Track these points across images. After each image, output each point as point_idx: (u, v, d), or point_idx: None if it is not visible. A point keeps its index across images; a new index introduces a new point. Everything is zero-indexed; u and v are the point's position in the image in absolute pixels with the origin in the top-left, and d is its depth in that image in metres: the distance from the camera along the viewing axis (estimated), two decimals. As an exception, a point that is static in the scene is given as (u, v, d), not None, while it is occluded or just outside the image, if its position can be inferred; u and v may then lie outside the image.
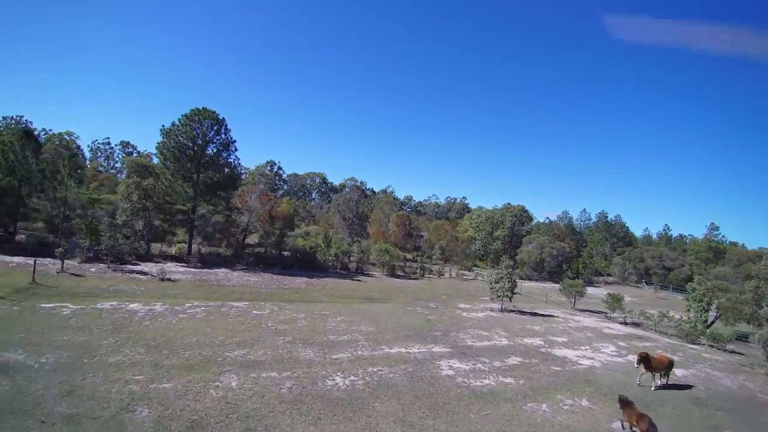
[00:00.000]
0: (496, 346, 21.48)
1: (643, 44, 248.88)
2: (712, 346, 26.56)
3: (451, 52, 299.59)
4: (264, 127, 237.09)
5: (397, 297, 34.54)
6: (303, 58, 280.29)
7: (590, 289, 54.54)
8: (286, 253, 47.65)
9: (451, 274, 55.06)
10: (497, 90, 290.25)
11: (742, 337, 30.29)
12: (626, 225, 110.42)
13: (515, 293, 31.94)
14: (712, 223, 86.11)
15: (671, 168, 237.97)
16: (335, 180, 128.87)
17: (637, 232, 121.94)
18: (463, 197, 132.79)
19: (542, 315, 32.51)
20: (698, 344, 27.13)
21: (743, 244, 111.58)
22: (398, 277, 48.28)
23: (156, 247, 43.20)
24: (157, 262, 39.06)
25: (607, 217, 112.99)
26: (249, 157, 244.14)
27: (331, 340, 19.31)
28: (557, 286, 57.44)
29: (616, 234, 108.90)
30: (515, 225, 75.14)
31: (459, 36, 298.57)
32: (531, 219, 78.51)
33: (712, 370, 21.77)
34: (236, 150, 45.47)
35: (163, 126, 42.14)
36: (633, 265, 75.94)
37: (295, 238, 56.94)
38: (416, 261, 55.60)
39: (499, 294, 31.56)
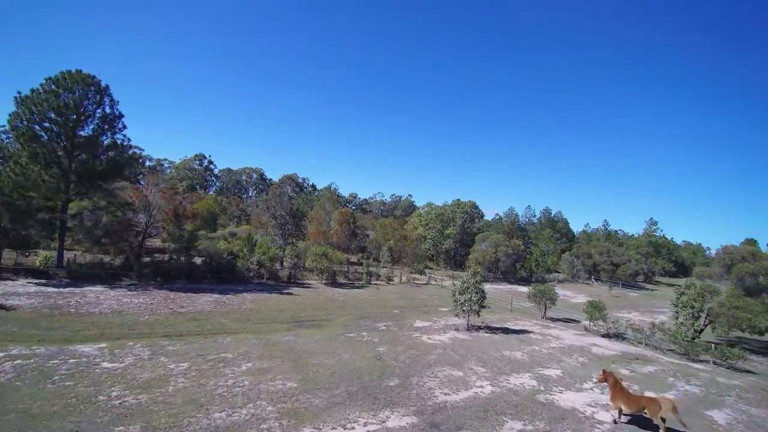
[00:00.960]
0: (479, 399, 14.65)
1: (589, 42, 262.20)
2: (716, 363, 22.00)
3: (392, 45, 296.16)
4: (196, 119, 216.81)
5: (336, 316, 26.90)
6: (241, 49, 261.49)
7: None
8: (198, 260, 37.98)
9: (401, 279, 48.35)
10: (440, 85, 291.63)
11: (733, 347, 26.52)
12: (567, 221, 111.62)
13: (483, 306, 25.69)
14: (651, 219, 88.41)
15: (607, 164, 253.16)
16: (275, 176, 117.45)
17: (576, 227, 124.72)
18: (409, 195, 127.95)
19: (515, 331, 26.59)
20: (701, 362, 22.50)
21: (672, 239, 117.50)
22: (340, 285, 40.57)
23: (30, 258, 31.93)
24: (3, 279, 28.40)
25: (551, 213, 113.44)
26: (179, 151, 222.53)
27: (215, 425, 11.23)
28: (515, 287, 53.33)
29: (559, 230, 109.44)
30: (466, 222, 70.46)
31: (398, 30, 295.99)
32: (482, 216, 74.44)
33: (747, 405, 16.65)
34: (125, 128, 34.99)
35: (19, 93, 30.89)
36: (581, 261, 74.58)
37: (217, 240, 47.07)
38: (362, 264, 48.35)
39: (465, 308, 25.10)
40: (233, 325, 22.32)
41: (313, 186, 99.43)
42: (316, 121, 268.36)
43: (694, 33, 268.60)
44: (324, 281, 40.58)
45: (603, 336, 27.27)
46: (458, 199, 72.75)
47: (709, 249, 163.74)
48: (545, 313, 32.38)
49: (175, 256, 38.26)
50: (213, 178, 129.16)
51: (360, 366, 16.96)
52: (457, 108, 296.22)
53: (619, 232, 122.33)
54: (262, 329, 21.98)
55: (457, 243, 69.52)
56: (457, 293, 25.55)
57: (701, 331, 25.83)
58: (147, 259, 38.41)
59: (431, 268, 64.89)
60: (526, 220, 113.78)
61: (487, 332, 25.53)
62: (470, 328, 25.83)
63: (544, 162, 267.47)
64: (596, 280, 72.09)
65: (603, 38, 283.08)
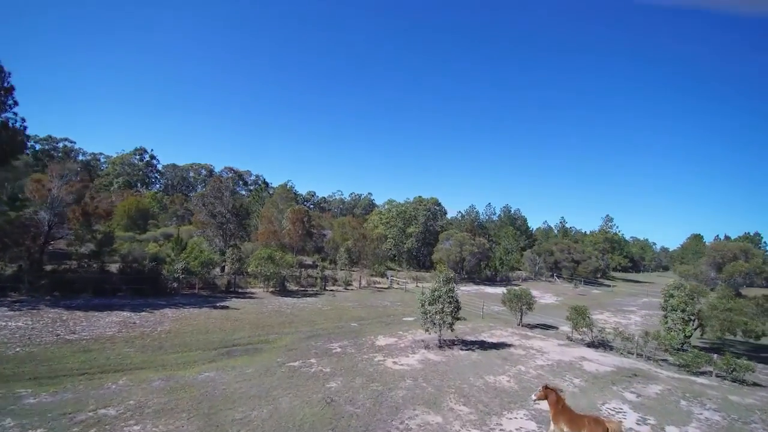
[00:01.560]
0: (469, 465, 10.41)
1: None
2: (719, 376, 19.31)
3: (350, 38, 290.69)
4: (143, 112, 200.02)
5: (280, 336, 21.90)
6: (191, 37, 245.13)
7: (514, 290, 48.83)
8: (113, 268, 31.37)
9: (360, 283, 43.76)
10: (397, 80, 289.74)
11: (719, 351, 24.31)
12: (526, 218, 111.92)
13: (457, 318, 21.70)
14: (608, 215, 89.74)
15: (561, 162, 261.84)
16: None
17: (533, 225, 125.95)
18: (369, 193, 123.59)
19: (494, 345, 22.82)
20: (702, 374, 19.74)
21: (622, 234, 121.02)
22: (290, 293, 35.37)
23: None
24: None
25: (510, 210, 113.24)
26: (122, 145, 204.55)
27: None
28: (482, 288, 50.37)
29: (519, 228, 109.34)
30: (429, 220, 67.06)
31: (354, 25, 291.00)
32: (445, 213, 71.39)
33: (781, 439, 13.64)
34: (16, 105, 27.88)
35: None
36: (543, 259, 73.59)
37: (146, 243, 40.21)
38: (318, 267, 43.24)
39: (436, 322, 20.97)
40: (136, 358, 16.76)
41: (265, 182, 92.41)
42: (275, 119, 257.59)
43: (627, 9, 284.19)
44: (271, 289, 35.17)
45: (588, 346, 24.17)
46: (420, 196, 69.29)
47: (655, 244, 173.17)
48: (521, 319, 29.04)
49: (85, 263, 31.42)
50: (156, 175, 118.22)
51: (303, 419, 12.20)
52: (417, 105, 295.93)
53: (572, 229, 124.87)
54: (176, 362, 16.61)
55: (420, 242, 65.98)
56: (426, 303, 21.35)
57: (690, 335, 23.33)
58: (50, 267, 31.27)
59: (394, 269, 60.85)
60: (487, 217, 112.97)
61: (462, 349, 21.54)
62: (442, 344, 21.74)
63: (503, 160, 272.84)
64: (558, 277, 71.28)
65: (547, 31, 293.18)
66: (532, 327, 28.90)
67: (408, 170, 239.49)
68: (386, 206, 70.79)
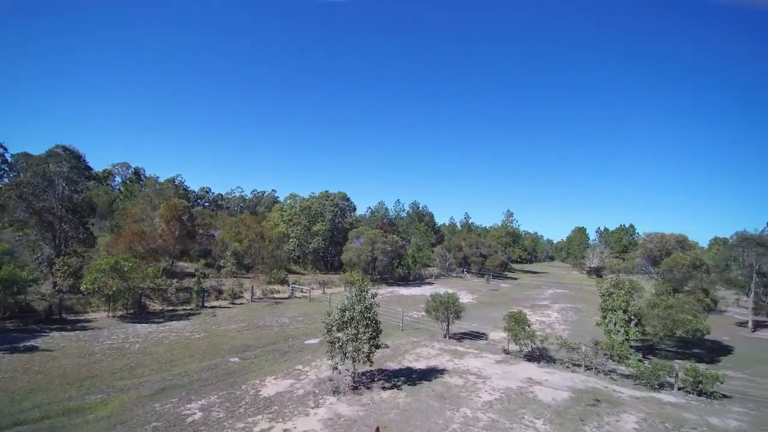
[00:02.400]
0: None
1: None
2: (681, 389, 16.52)
3: (239, 31, 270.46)
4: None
5: (107, 397, 13.76)
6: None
7: (426, 289, 44.64)
8: None
9: (253, 294, 35.73)
10: (300, 68, 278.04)
11: (651, 350, 22.51)
12: (433, 215, 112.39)
13: (378, 345, 15.90)
14: (508, 210, 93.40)
15: (464, 159, 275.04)
16: (99, 166, 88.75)
17: (439, 221, 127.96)
18: (273, 189, 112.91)
19: (424, 375, 17.55)
20: (664, 389, 16.78)
21: (520, 228, 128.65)
22: (150, 317, 26.24)
23: None
24: None
25: (419, 207, 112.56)
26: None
27: None
28: (396, 290, 45.49)
29: (427, 224, 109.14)
30: (337, 217, 60.80)
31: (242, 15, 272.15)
32: (354, 209, 65.83)
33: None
34: None
35: None
36: (453, 254, 72.59)
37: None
38: (199, 277, 34.08)
39: (348, 353, 14.92)
40: None
41: (137, 173, 76.99)
42: (167, 110, 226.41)
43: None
44: (120, 312, 25.66)
45: (528, 359, 20.30)
46: (326, 191, 62.61)
47: (542, 237, 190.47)
48: (448, 329, 24.44)
49: None
50: (5, 167, 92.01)
51: None
52: (323, 96, 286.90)
53: (475, 225, 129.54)
54: None
55: (328, 241, 59.38)
56: (334, 329, 15.12)
57: (631, 338, 20.86)
58: None
59: (298, 273, 53.32)
60: (396, 214, 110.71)
61: (385, 386, 15.80)
62: (357, 382, 15.75)
63: (408, 155, 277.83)
64: (468, 272, 70.73)
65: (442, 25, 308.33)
66: (459, 338, 24.50)
67: (314, 165, 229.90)
68: (288, 201, 62.67)
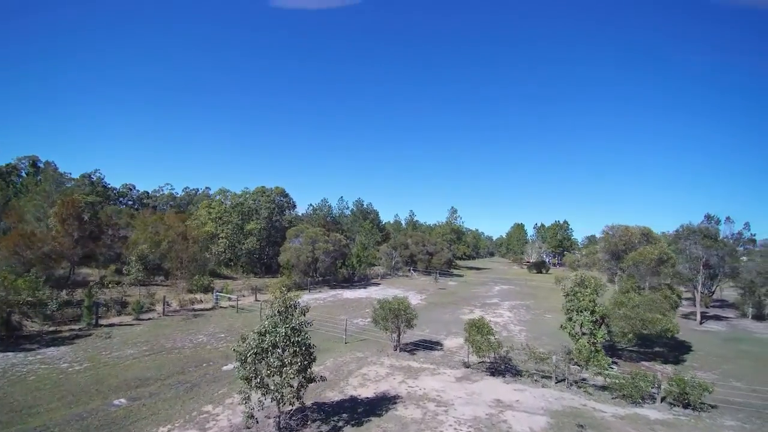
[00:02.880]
0: None
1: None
2: (665, 400, 14.49)
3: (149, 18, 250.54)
4: None
5: None
6: None
7: (373, 291, 41.07)
8: None
9: (167, 306, 30.01)
10: (233, 59, 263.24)
11: (614, 351, 20.87)
12: (377, 212, 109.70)
13: (311, 379, 12.01)
14: (453, 207, 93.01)
15: (408, 156, 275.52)
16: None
17: (384, 219, 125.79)
18: (207, 187, 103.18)
19: (372, 407, 13.96)
20: (648, 405, 14.63)
21: (464, 225, 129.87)
22: (22, 342, 20.23)
23: None
24: None
25: (363, 204, 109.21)
26: None
27: None
28: (340, 293, 41.17)
29: (372, 222, 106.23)
30: (274, 214, 55.45)
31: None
32: (294, 206, 60.71)
33: None
34: None
35: None
36: (399, 253, 70.08)
37: None
38: (106, 285, 27.76)
39: (270, 392, 10.88)
40: None
41: (35, 164, 65.72)
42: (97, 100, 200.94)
43: None
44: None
45: (492, 372, 17.51)
46: (263, 186, 56.87)
47: (483, 233, 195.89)
48: (399, 341, 21.06)
49: None
50: None
51: None
52: (262, 89, 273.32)
53: (419, 222, 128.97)
54: None
55: (264, 241, 53.88)
56: (249, 359, 10.94)
57: (599, 341, 18.83)
58: None
59: (230, 278, 47.43)
60: (340, 212, 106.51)
61: None
62: (284, 430, 11.75)
63: (351, 153, 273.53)
64: (415, 271, 68.56)
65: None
66: (412, 349, 21.25)
67: (252, 160, 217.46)
68: (218, 197, 56.06)
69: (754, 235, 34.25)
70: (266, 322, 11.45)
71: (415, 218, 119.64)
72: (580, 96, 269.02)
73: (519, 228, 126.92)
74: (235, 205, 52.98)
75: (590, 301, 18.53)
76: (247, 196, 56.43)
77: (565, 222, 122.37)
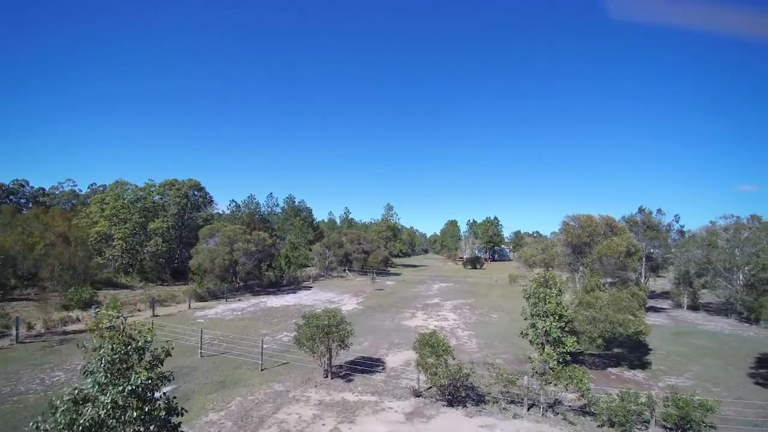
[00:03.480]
0: None
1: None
2: (658, 425, 11.82)
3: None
4: None
5: None
6: None
7: (303, 296, 34.10)
8: None
9: (25, 331, 22.56)
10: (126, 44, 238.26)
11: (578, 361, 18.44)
12: (311, 210, 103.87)
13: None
14: (388, 204, 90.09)
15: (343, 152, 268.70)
16: None
17: (318, 217, 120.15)
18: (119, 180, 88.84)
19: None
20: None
21: (400, 222, 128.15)
22: None
23: None
24: None
25: (294, 201, 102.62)
26: None
27: None
28: (263, 301, 35.05)
29: (305, 220, 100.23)
30: (186, 210, 47.82)
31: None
32: (211, 201, 53.15)
33: None
34: None
35: None
36: (333, 252, 65.44)
37: None
38: None
39: None
40: None
41: None
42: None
43: None
44: None
45: (449, 401, 13.84)
46: (173, 179, 48.78)
47: (417, 230, 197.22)
48: (330, 365, 16.60)
49: None
50: None
51: None
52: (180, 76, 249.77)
53: (354, 220, 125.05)
54: None
55: (173, 242, 46.10)
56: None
57: (569, 351, 16.11)
58: None
59: (129, 287, 39.36)
60: (269, 210, 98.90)
61: None
62: None
63: (283, 150, 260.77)
64: (350, 271, 64.34)
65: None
66: (347, 374, 16.92)
67: (164, 150, 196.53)
68: (116, 191, 46.92)
69: (683, 226, 35.61)
70: (87, 383, 6.47)
71: (351, 216, 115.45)
72: (508, 93, 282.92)
73: (452, 224, 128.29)
74: (136, 200, 44.61)
75: (557, 304, 15.70)
76: (153, 189, 48.05)
77: (495, 218, 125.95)
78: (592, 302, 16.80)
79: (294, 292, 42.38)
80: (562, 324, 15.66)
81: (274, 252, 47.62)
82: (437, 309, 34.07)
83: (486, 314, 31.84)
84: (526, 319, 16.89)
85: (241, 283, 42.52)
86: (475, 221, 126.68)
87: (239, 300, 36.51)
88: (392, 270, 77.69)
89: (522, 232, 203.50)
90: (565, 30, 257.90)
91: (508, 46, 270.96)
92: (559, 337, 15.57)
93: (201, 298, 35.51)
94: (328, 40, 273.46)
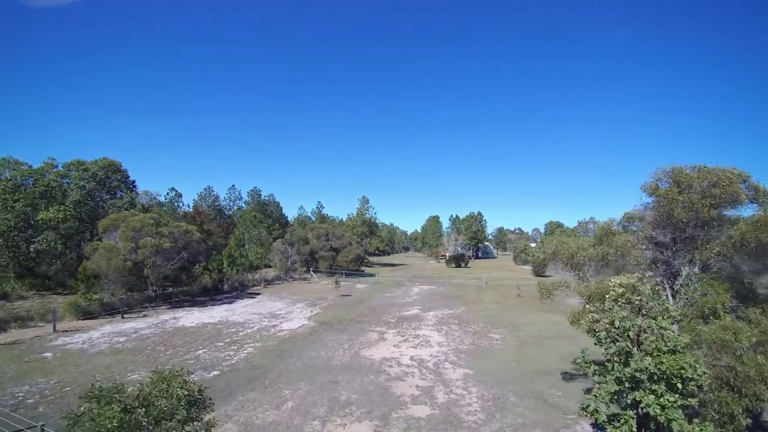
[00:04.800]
0: None
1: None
2: None
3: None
4: None
5: None
6: None
7: (238, 308, 26.34)
8: None
9: None
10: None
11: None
12: (280, 204, 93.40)
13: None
14: (364, 196, 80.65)
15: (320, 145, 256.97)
16: None
17: (291, 213, 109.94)
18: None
19: None
20: None
21: (377, 218, 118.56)
22: None
23: None
24: None
25: (260, 194, 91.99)
26: None
27: None
28: (179, 318, 24.44)
29: (271, 215, 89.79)
30: (95, 197, 37.34)
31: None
32: (133, 186, 42.42)
33: None
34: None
35: None
36: (296, 249, 55.68)
37: None
38: None
39: None
40: None
41: None
42: None
43: None
44: None
45: None
46: (79, 159, 38.03)
47: (398, 228, 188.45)
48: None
49: None
50: None
51: None
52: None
53: (330, 217, 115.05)
54: None
55: (77, 237, 35.55)
56: None
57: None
58: None
59: (6, 296, 28.77)
60: (231, 203, 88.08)
61: None
62: None
63: (247, 142, 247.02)
64: (315, 272, 54.68)
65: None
66: None
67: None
68: None
69: None
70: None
71: (324, 211, 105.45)
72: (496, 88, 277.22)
73: (434, 220, 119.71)
74: (16, 186, 33.92)
75: (674, 354, 6.78)
76: (55, 171, 37.29)
77: (480, 213, 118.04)
78: (729, 342, 7.98)
79: (231, 302, 32.60)
80: (686, 400, 6.76)
81: (213, 250, 37.62)
82: (416, 325, 24.94)
83: (483, 333, 22.91)
84: (594, 376, 7.93)
85: (158, 291, 32.47)
86: (457, 216, 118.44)
87: (145, 316, 26.53)
88: (367, 270, 68.38)
89: (505, 228, 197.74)
90: (544, 26, 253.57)
91: (491, 42, 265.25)
92: (676, 419, 6.70)
93: (88, 314, 25.44)
94: (321, 46, 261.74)
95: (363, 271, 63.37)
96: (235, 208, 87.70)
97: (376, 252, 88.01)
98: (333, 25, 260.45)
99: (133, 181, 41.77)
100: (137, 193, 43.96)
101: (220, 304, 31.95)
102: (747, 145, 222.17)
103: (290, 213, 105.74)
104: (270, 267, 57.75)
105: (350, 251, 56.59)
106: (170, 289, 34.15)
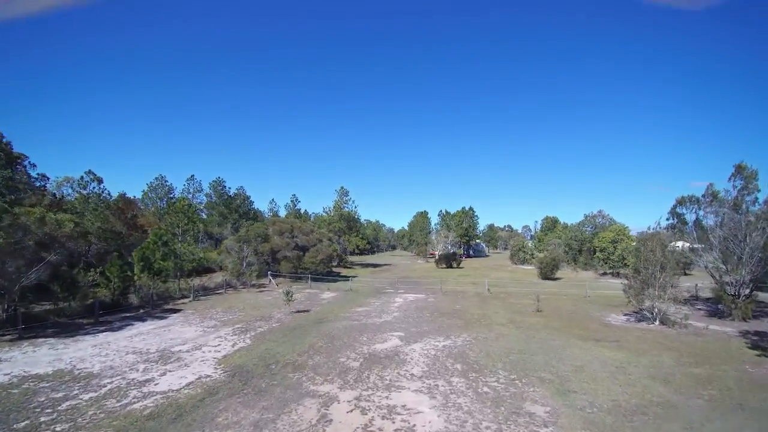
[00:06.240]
0: None
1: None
2: None
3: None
4: None
5: None
6: None
7: (116, 342, 15.06)
8: None
9: None
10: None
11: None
12: (250, 197, 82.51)
13: None
14: (342, 188, 70.12)
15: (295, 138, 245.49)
16: None
17: (263, 207, 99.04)
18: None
19: None
20: None
21: (358, 212, 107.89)
22: None
23: None
24: None
25: (224, 186, 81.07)
26: None
27: None
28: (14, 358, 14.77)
29: (237, 209, 79.11)
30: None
31: None
32: (17, 162, 31.19)
33: None
34: None
35: None
36: (253, 248, 45.28)
37: None
38: None
39: None
40: None
41: None
42: None
43: None
44: None
45: None
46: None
47: (384, 225, 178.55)
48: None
49: None
50: None
51: None
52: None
53: (304, 211, 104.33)
54: None
55: None
56: None
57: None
58: None
59: None
60: (190, 195, 77.00)
61: None
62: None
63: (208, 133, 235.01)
64: (274, 276, 44.23)
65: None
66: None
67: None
68: None
69: None
70: None
71: (299, 205, 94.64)
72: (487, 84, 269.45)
73: (422, 216, 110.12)
74: None
75: None
76: None
77: (471, 209, 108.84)
78: None
79: (119, 329, 21.97)
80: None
81: (101, 250, 26.94)
82: (391, 377, 14.67)
83: (511, 400, 12.71)
84: None
85: (19, 310, 21.74)
86: (447, 212, 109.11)
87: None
88: (344, 271, 58.13)
89: (495, 225, 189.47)
90: (537, 25, 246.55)
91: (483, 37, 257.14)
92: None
93: None
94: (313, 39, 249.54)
95: (337, 273, 52.97)
96: (196, 201, 76.76)
97: (356, 251, 77.96)
98: (328, 26, 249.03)
99: (32, 164, 30.63)
100: (27, 175, 32.82)
101: (102, 331, 21.32)
102: (746, 145, 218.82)
103: (265, 208, 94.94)
104: (222, 269, 47.39)
105: (320, 250, 46.22)
106: (37, 308, 23.42)
